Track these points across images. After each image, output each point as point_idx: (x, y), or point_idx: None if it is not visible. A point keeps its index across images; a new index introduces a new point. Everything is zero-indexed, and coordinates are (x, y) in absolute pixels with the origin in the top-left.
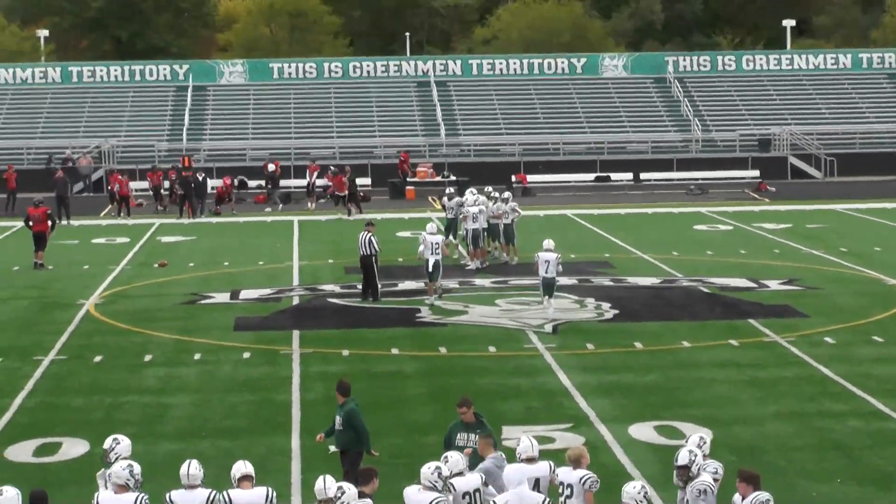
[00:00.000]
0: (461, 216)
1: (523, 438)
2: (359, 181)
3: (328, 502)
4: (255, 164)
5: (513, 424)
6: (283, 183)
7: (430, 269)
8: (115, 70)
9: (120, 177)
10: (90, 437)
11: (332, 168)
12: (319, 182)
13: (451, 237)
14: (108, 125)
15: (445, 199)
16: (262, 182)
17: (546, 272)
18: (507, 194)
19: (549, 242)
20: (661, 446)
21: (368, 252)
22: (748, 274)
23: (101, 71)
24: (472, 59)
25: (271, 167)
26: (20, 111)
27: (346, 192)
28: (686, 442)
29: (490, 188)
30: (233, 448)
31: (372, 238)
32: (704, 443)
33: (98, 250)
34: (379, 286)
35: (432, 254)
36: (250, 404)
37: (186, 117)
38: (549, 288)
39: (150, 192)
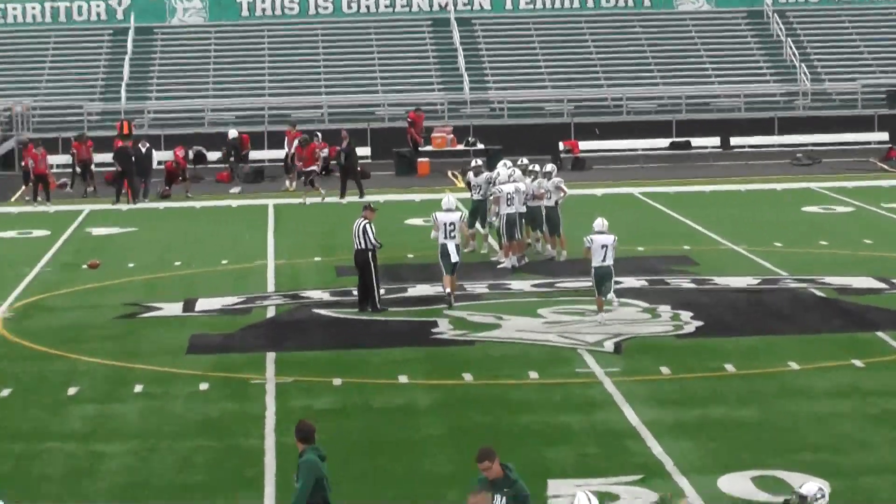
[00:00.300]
0: (491, 197)
1: (579, 496)
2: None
3: None
4: (217, 129)
5: (562, 477)
6: (253, 155)
7: (451, 258)
8: (32, 7)
9: (35, 149)
10: None
11: (316, 135)
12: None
13: (477, 225)
14: (21, 81)
15: (471, 174)
16: (225, 153)
17: (603, 260)
18: (549, 167)
19: (601, 222)
20: None
21: (363, 246)
22: (875, 271)
23: (14, 9)
24: None
25: (233, 133)
26: None
27: (318, 167)
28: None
29: (525, 160)
30: None
31: (367, 227)
32: (823, 495)
33: (7, 246)
34: (379, 292)
35: (447, 237)
36: (210, 453)
37: (126, 69)
38: (607, 280)
39: (78, 169)
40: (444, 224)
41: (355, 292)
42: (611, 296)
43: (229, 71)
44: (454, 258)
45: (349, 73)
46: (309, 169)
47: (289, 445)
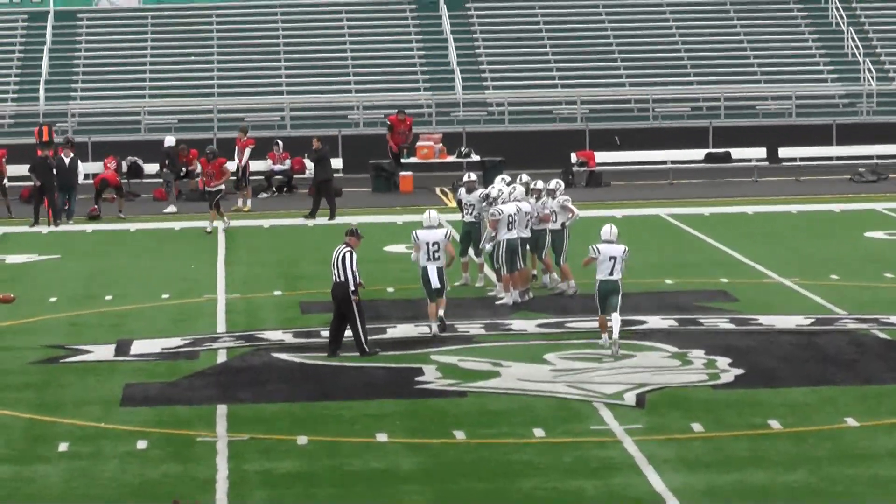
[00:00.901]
0: (489, 219)
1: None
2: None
3: None
4: (156, 136)
5: None
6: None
7: (432, 284)
8: None
9: None
10: None
11: (276, 143)
12: (256, 165)
13: (471, 252)
14: None
15: (462, 191)
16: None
17: (610, 274)
18: (554, 183)
19: (610, 229)
20: None
21: (342, 278)
22: None
23: None
24: None
25: (169, 141)
26: None
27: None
28: None
29: (526, 176)
30: None
31: (349, 256)
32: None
33: None
34: (365, 331)
35: (430, 259)
36: None
37: (45, 63)
38: (614, 296)
39: None
40: (427, 244)
41: (323, 333)
42: (615, 315)
43: (170, 66)
44: (435, 284)
45: (316, 68)
46: (215, 188)
47: None
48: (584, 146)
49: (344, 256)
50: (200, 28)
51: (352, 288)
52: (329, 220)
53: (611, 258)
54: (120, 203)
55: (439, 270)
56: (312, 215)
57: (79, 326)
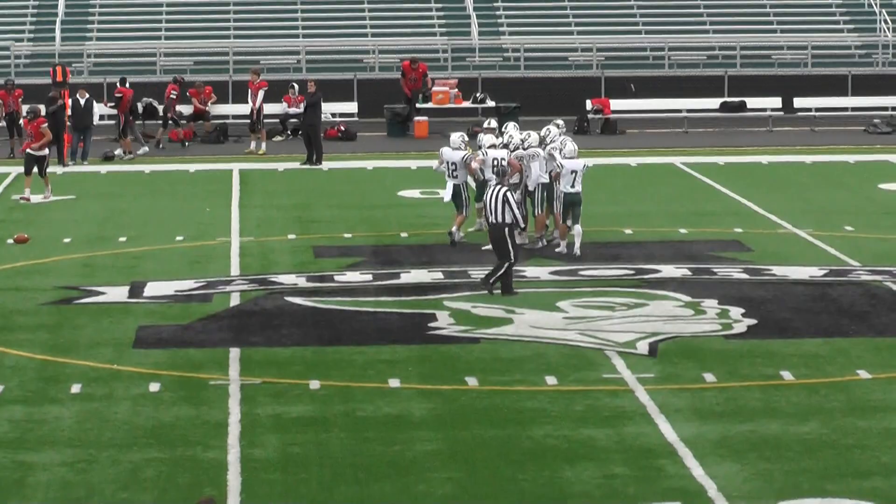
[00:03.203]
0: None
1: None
2: (337, 107)
3: None
4: (173, 78)
5: (584, 502)
6: (216, 110)
7: (446, 198)
8: None
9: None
10: None
11: (293, 86)
12: (271, 108)
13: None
14: None
15: (482, 136)
16: (185, 108)
17: (572, 186)
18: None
19: (573, 147)
20: None
21: (501, 219)
22: None
23: None
24: None
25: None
26: None
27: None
28: None
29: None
30: None
31: (510, 196)
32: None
33: None
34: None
35: (449, 176)
36: (161, 466)
37: (61, 3)
38: (577, 207)
39: (3, 123)
40: (447, 162)
41: (337, 277)
42: (578, 227)
43: (186, 7)
44: (447, 198)
45: (332, 11)
46: (39, 151)
47: (256, 459)
48: (599, 93)
49: (506, 196)
50: None
51: (522, 225)
52: (313, 165)
53: (572, 171)
54: (128, 145)
55: (455, 187)
56: (310, 161)
57: (92, 268)
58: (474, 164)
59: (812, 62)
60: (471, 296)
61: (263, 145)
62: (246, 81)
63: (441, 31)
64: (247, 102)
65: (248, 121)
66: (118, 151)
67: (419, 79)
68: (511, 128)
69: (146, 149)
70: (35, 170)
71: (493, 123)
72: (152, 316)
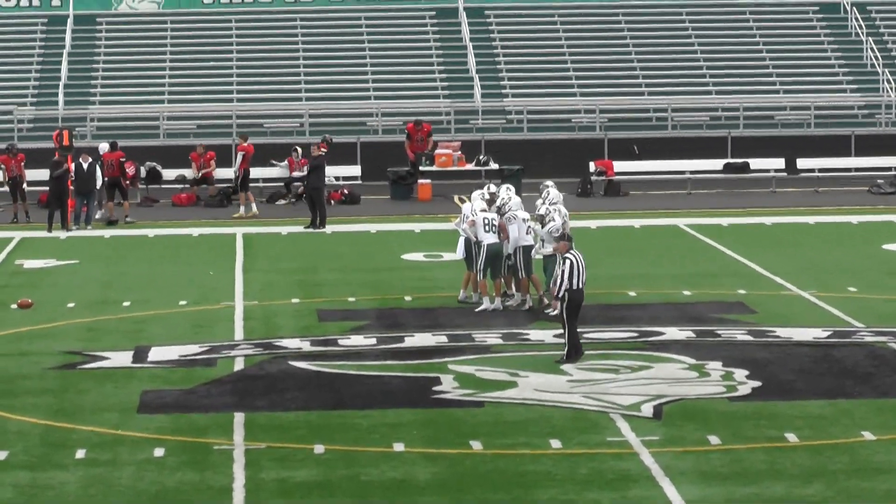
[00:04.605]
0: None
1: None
2: (341, 170)
3: None
4: (176, 142)
5: None
6: (219, 174)
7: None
8: None
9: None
10: None
11: (295, 149)
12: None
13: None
14: None
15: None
16: (188, 172)
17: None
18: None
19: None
20: None
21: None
22: None
23: None
24: None
25: (103, 147)
26: None
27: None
28: None
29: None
30: None
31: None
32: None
33: None
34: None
35: (490, 231)
36: None
37: (64, 67)
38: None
39: (6, 188)
40: (485, 221)
41: (341, 341)
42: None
43: (189, 70)
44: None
45: (335, 74)
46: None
47: None
48: (602, 155)
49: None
50: (220, 33)
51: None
52: (317, 228)
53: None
54: (126, 208)
55: (466, 242)
56: (314, 224)
57: (96, 332)
58: (465, 226)
59: (815, 122)
60: (475, 359)
61: (253, 206)
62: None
63: (444, 94)
64: (253, 166)
65: (232, 185)
66: (98, 215)
67: (425, 139)
68: (503, 190)
69: (102, 213)
70: None
71: (493, 188)
72: (156, 381)
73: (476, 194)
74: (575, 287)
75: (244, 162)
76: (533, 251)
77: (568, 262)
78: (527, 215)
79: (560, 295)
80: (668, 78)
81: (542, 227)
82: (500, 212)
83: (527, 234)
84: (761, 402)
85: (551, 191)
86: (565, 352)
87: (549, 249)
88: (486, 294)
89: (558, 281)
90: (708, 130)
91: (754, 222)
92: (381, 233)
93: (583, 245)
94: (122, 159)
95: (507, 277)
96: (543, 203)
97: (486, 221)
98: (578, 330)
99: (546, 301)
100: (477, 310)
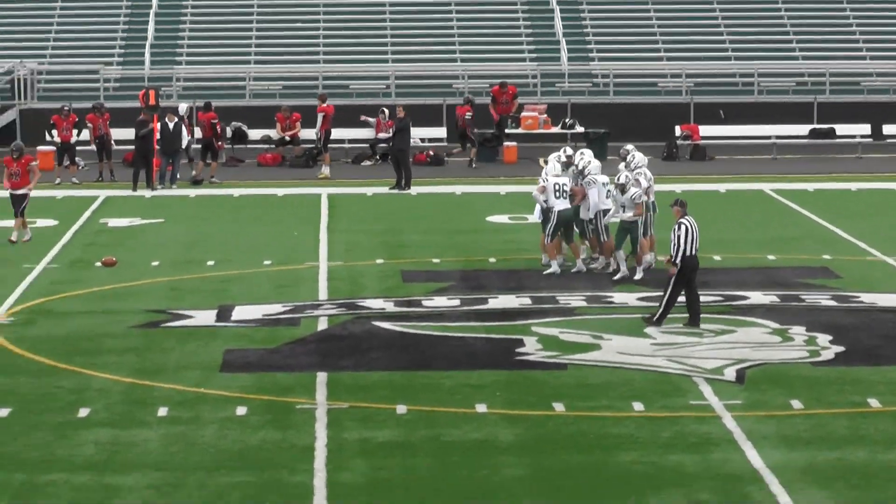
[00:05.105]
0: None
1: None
2: (426, 132)
3: None
4: (262, 102)
5: None
6: (304, 134)
7: (553, 223)
8: None
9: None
10: None
11: (382, 111)
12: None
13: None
14: (26, 41)
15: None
16: (273, 133)
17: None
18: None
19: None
20: None
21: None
22: None
23: None
24: None
25: (183, 108)
26: None
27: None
28: None
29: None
30: None
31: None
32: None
33: (6, 238)
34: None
35: (560, 196)
36: (247, 490)
37: (151, 28)
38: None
39: (94, 147)
40: (555, 186)
41: (425, 302)
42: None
43: (276, 32)
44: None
45: (421, 37)
46: (21, 191)
47: (343, 483)
48: (688, 119)
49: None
50: None
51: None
52: (402, 189)
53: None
54: (213, 168)
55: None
56: (399, 185)
57: (180, 291)
58: (535, 193)
59: None
60: (559, 321)
61: (326, 169)
62: (337, 107)
63: (530, 56)
64: (339, 127)
65: (314, 146)
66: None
67: (510, 101)
68: (578, 154)
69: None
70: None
71: (569, 151)
72: (240, 340)
73: (553, 157)
74: (689, 253)
75: (325, 122)
76: (608, 216)
77: (683, 227)
78: (606, 179)
79: (677, 260)
80: (754, 43)
81: (623, 195)
82: (581, 175)
83: (606, 198)
84: (844, 367)
85: (636, 154)
86: (658, 314)
87: (629, 215)
88: (554, 257)
89: (675, 246)
90: (794, 96)
91: (840, 188)
92: (465, 195)
93: (668, 209)
94: (213, 121)
95: (592, 240)
96: (627, 167)
97: (557, 187)
98: (700, 295)
99: (599, 259)
100: (545, 272)
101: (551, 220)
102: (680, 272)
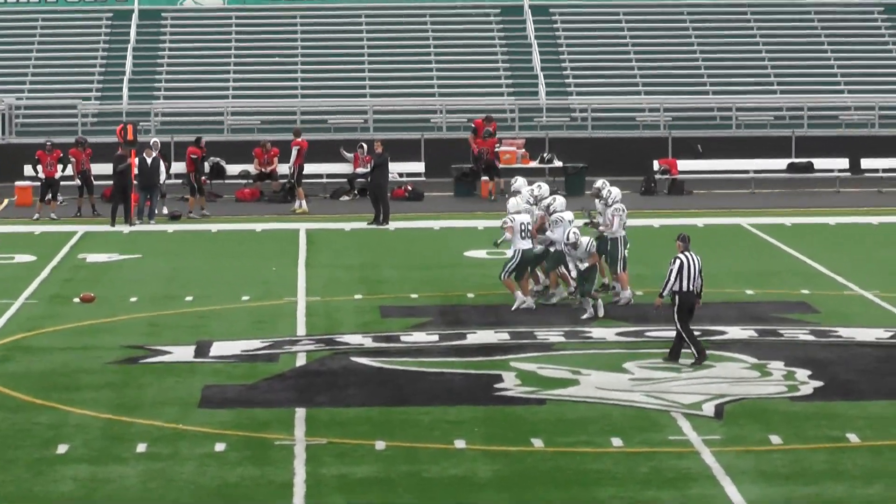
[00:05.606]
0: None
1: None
2: (404, 167)
3: None
4: (239, 137)
5: None
6: (281, 170)
7: (515, 261)
8: None
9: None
10: None
11: (361, 146)
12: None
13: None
14: (2, 75)
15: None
16: (251, 168)
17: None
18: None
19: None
20: None
21: (696, 287)
22: None
23: None
24: None
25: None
26: None
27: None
28: None
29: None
30: None
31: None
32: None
33: None
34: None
35: (525, 237)
36: None
37: (129, 62)
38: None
39: (77, 182)
40: (521, 225)
41: (403, 338)
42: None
43: (253, 66)
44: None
45: (399, 71)
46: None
47: None
48: (666, 154)
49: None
50: (284, 29)
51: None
52: (380, 225)
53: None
54: (202, 202)
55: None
56: (377, 220)
57: (158, 327)
58: (507, 235)
59: (879, 123)
60: (537, 356)
61: (303, 203)
62: (314, 141)
63: (509, 91)
64: (317, 162)
65: (287, 181)
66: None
67: (493, 134)
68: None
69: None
70: None
71: (535, 191)
72: (218, 375)
73: (515, 195)
74: (685, 289)
75: (299, 157)
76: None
77: (678, 261)
78: (572, 216)
79: (664, 294)
80: (732, 77)
81: (575, 251)
82: (548, 212)
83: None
84: (823, 402)
85: (612, 189)
86: (695, 352)
87: (585, 265)
88: (514, 291)
89: (666, 279)
90: (772, 130)
91: (818, 222)
92: (444, 229)
93: (645, 243)
94: (192, 155)
95: (563, 275)
96: (604, 202)
97: (523, 227)
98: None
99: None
100: (513, 308)
101: (514, 259)
102: (679, 309)
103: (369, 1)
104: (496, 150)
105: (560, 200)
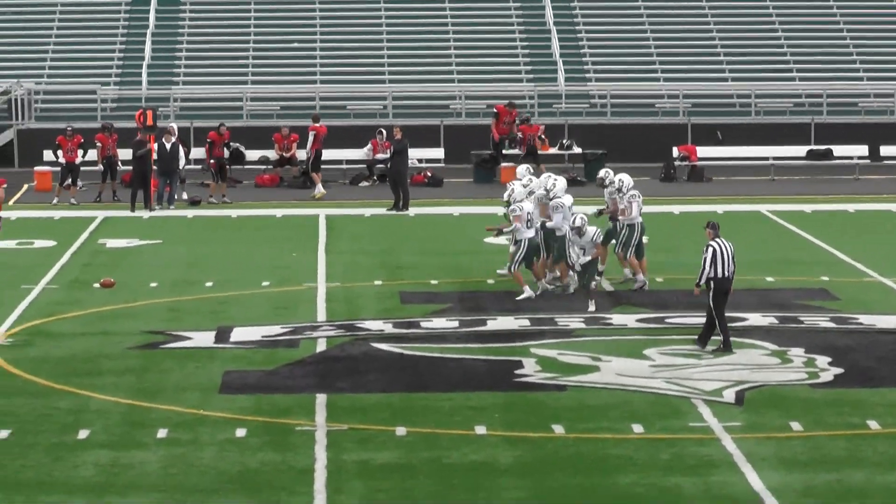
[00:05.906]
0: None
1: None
2: (424, 153)
3: None
4: (259, 122)
5: None
6: (301, 155)
7: (522, 252)
8: None
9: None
10: None
11: (380, 131)
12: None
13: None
14: (22, 60)
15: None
16: (271, 154)
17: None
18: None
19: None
20: None
21: (729, 273)
22: None
23: None
24: None
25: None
26: None
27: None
28: None
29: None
30: None
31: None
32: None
33: (5, 259)
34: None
35: (530, 225)
36: None
37: (147, 47)
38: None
39: (100, 167)
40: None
41: (423, 324)
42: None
43: (272, 52)
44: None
45: (418, 57)
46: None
47: None
48: (685, 140)
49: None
50: (304, 15)
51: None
52: (399, 211)
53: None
54: (223, 189)
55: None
56: (397, 206)
57: (179, 312)
58: (517, 225)
59: None
60: (558, 343)
61: (319, 188)
62: (332, 127)
63: (528, 77)
64: (335, 147)
65: (304, 165)
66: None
67: (512, 122)
68: (545, 178)
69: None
70: None
71: (521, 171)
72: (238, 361)
73: (517, 182)
74: (721, 275)
75: (316, 142)
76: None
77: (710, 249)
78: (571, 200)
79: (701, 282)
80: (751, 64)
81: (581, 238)
82: (548, 197)
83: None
84: (843, 389)
85: (623, 178)
86: (723, 339)
87: (587, 259)
88: (523, 284)
89: (701, 268)
90: (791, 117)
91: (837, 209)
92: (463, 216)
93: (665, 230)
94: (209, 140)
95: (562, 267)
96: (619, 192)
97: (528, 217)
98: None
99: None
100: (518, 298)
101: (521, 249)
102: (714, 295)
103: None
104: (539, 136)
105: (560, 185)
